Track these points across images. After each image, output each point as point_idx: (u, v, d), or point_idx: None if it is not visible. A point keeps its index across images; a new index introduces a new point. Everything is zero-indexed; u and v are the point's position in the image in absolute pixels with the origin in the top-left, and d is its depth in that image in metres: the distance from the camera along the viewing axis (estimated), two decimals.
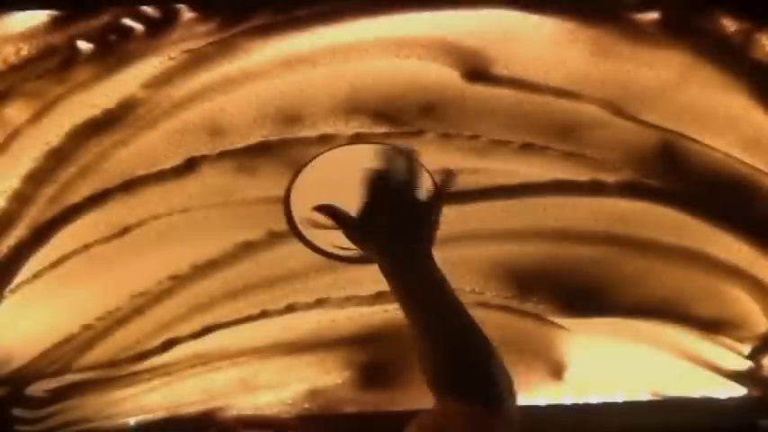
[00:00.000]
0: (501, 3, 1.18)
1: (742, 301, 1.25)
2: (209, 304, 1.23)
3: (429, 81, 1.20)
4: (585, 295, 1.24)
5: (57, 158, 1.19)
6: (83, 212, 1.21)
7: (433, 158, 1.19)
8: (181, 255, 1.22)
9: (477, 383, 0.75)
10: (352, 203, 0.84)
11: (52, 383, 1.24)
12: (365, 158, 1.06)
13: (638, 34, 1.20)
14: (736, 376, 1.26)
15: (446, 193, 0.85)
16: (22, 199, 1.20)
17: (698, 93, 1.21)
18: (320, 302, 1.24)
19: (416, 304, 0.79)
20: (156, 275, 1.22)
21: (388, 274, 0.81)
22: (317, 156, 1.06)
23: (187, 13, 1.18)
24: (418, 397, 1.23)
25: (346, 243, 0.93)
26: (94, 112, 1.19)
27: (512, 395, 0.77)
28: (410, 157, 0.82)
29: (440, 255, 1.20)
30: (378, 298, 1.23)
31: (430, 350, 0.78)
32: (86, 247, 1.21)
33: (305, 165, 1.06)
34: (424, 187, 0.83)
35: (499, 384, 0.75)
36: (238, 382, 1.25)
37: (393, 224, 0.81)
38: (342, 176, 1.02)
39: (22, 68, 1.17)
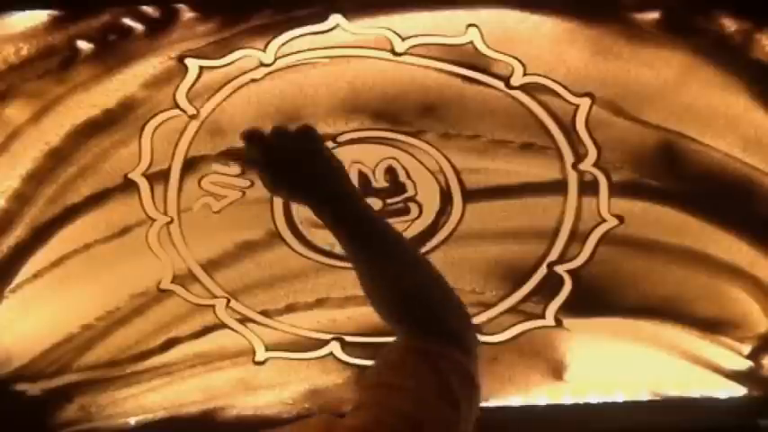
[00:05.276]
0: (501, 3, 1.18)
1: (742, 301, 1.25)
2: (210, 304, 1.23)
3: (429, 81, 1.20)
4: (585, 295, 1.24)
5: (57, 158, 1.19)
6: (83, 212, 1.21)
7: (433, 158, 1.21)
8: (181, 254, 1.22)
9: (429, 322, 0.73)
10: None
11: (52, 383, 1.24)
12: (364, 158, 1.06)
13: (638, 34, 1.20)
14: (736, 376, 1.26)
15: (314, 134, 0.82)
16: (22, 199, 1.20)
17: (698, 93, 1.21)
18: (320, 302, 1.24)
19: (362, 244, 0.78)
20: (156, 275, 1.22)
21: (330, 217, 0.79)
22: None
23: (187, 13, 1.18)
24: None
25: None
26: (94, 112, 1.19)
27: (467, 329, 0.76)
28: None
29: (440, 255, 1.23)
30: None
31: (380, 291, 0.78)
32: (86, 247, 1.21)
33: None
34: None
35: (450, 321, 0.74)
36: (238, 382, 1.25)
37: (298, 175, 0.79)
38: None
39: (22, 68, 1.17)
